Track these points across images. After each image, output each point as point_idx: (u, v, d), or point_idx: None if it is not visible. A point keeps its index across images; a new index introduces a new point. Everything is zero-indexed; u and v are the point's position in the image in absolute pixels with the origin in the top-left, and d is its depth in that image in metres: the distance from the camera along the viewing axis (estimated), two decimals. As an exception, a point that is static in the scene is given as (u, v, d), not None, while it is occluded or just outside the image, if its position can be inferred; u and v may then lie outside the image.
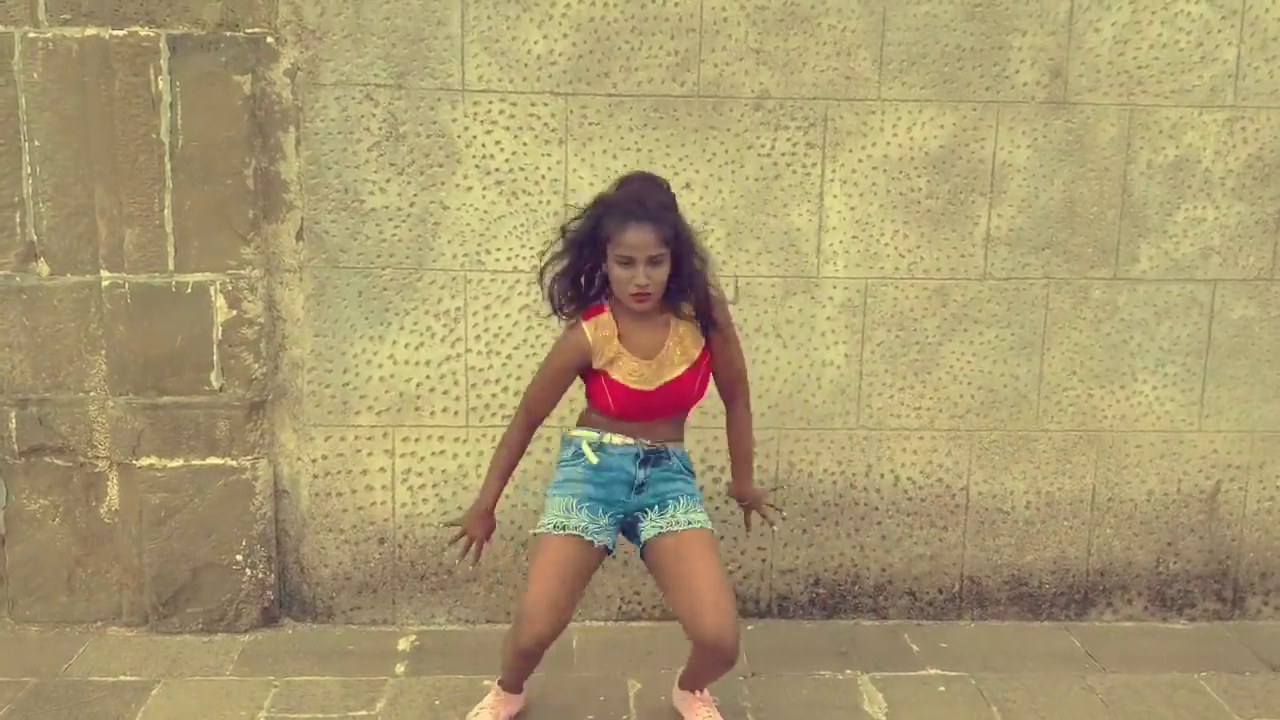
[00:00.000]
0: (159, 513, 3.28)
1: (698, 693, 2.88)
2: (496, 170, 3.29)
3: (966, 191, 3.38)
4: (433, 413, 3.40)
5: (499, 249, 3.33)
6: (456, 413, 3.40)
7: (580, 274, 2.67)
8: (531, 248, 3.32)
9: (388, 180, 3.27)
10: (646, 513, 2.71)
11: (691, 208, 3.32)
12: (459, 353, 3.38)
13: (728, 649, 2.59)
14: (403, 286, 3.33)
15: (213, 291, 3.21)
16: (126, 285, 3.18)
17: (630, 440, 2.70)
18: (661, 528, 2.67)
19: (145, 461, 3.26)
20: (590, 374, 2.69)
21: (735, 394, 2.83)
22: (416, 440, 3.41)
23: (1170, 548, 3.59)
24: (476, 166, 3.28)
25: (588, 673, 3.20)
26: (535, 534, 2.75)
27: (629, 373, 2.65)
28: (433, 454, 3.42)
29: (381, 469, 3.41)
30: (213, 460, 3.28)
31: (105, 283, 3.19)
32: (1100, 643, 3.46)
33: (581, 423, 2.79)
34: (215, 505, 3.29)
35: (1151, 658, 3.37)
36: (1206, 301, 3.46)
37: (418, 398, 3.39)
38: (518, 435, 2.77)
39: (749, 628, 3.48)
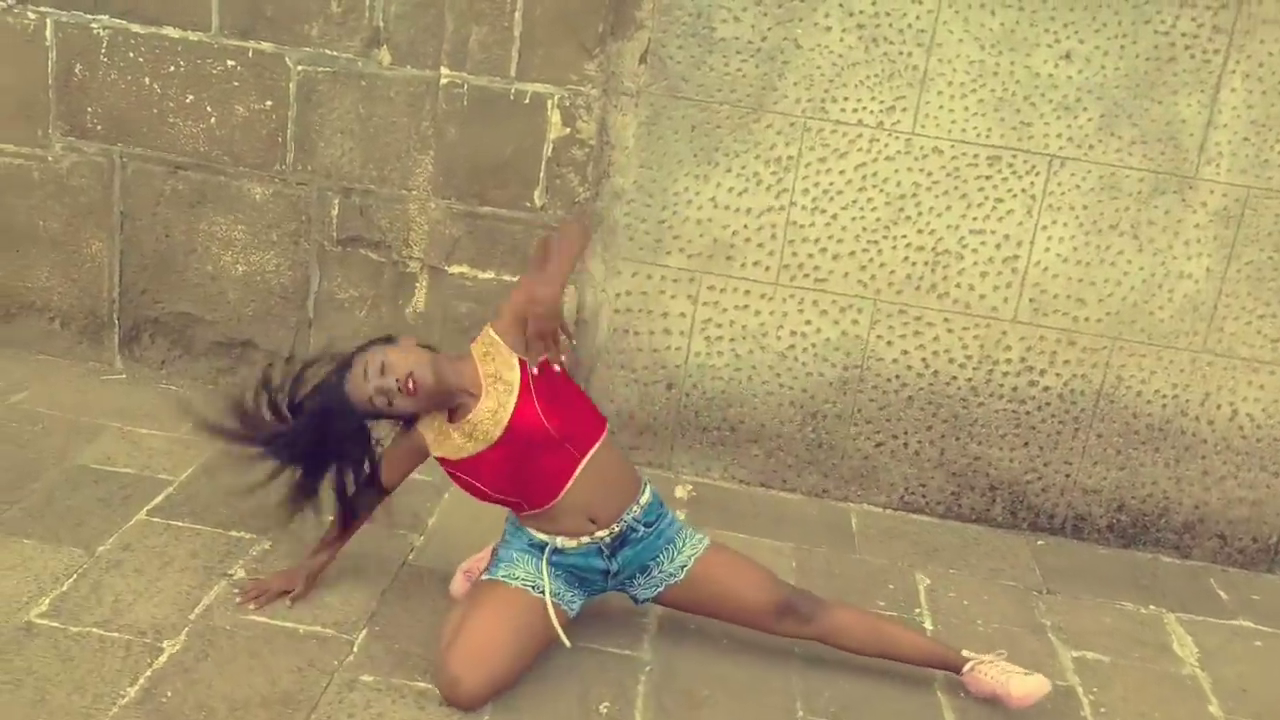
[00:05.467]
0: (464, 322, 3.25)
1: (970, 665, 2.39)
2: (860, 12, 3.03)
3: (1394, 103, 2.94)
4: (744, 264, 3.24)
5: (846, 98, 3.09)
6: (768, 268, 3.24)
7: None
8: (882, 101, 3.07)
9: (744, 9, 3.05)
10: (633, 581, 2.42)
11: (1067, 80, 3.00)
12: (783, 204, 3.19)
13: (786, 603, 2.39)
14: (737, 126, 3.14)
15: (549, 105, 3.09)
16: (465, 86, 3.09)
17: (586, 538, 2.33)
18: (660, 585, 2.41)
19: (457, 269, 3.23)
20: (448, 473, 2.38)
21: None
22: (722, 290, 3.27)
23: None
24: (840, 5, 3.03)
25: (873, 559, 3.06)
26: (485, 578, 2.36)
27: (463, 442, 2.31)
28: (736, 307, 3.27)
29: (682, 314, 3.29)
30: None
31: (444, 80, 3.11)
32: None
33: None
34: (518, 323, 3.25)
35: None
36: None
37: (731, 246, 3.23)
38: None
39: (1039, 543, 3.28)
